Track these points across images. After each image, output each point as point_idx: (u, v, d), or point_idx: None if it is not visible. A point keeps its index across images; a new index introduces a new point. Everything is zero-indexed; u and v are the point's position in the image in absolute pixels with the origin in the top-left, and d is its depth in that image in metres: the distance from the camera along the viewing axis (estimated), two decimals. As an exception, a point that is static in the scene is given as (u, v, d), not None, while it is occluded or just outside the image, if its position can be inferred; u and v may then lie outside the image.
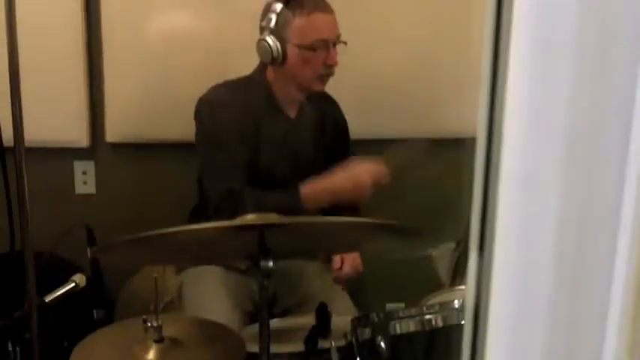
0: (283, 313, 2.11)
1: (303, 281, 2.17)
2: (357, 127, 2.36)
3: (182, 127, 2.21)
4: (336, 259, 2.15)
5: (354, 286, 2.24)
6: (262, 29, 2.03)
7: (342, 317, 1.67)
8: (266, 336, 1.37)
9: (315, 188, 2.03)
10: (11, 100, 1.44)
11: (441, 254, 2.10)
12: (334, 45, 2.05)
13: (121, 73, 2.47)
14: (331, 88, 2.19)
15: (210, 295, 2.06)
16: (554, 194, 0.54)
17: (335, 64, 2.05)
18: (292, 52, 2.01)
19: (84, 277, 1.50)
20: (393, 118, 2.58)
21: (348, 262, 2.14)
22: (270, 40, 2.00)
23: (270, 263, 1.34)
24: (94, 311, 1.56)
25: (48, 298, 1.43)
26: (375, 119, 2.55)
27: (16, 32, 1.42)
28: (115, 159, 2.57)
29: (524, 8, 0.52)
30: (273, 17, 2.00)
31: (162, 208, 2.43)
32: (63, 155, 2.52)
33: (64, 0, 2.40)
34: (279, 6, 2.00)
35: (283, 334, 1.75)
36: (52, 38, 2.39)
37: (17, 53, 1.43)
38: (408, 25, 2.58)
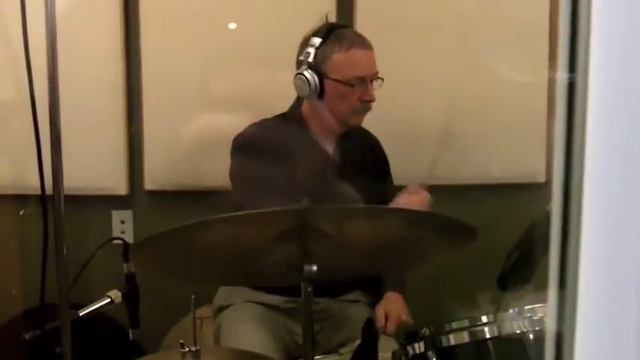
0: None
1: (346, 323, 2.07)
2: (400, 171, 2.30)
3: (221, 174, 2.18)
4: (380, 316, 2.04)
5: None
6: (300, 63, 2.03)
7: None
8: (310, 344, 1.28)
9: None
10: (51, 150, 1.38)
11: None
12: (372, 81, 2.04)
13: (160, 120, 2.49)
14: (374, 129, 2.18)
15: (249, 333, 1.98)
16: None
17: (372, 99, 2.04)
18: (330, 87, 2.01)
19: (119, 293, 1.44)
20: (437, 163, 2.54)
21: (392, 319, 2.04)
22: (307, 74, 2.00)
23: (314, 267, 1.27)
24: (130, 332, 1.50)
25: (82, 312, 1.37)
26: (418, 163, 2.51)
27: (58, 79, 1.38)
28: (153, 207, 2.55)
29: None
30: (312, 51, 2.00)
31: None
32: (101, 203, 2.51)
33: (104, 45, 2.44)
34: (317, 40, 2.00)
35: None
36: (92, 86, 2.42)
37: (58, 100, 1.39)
38: (454, 65, 2.55)
